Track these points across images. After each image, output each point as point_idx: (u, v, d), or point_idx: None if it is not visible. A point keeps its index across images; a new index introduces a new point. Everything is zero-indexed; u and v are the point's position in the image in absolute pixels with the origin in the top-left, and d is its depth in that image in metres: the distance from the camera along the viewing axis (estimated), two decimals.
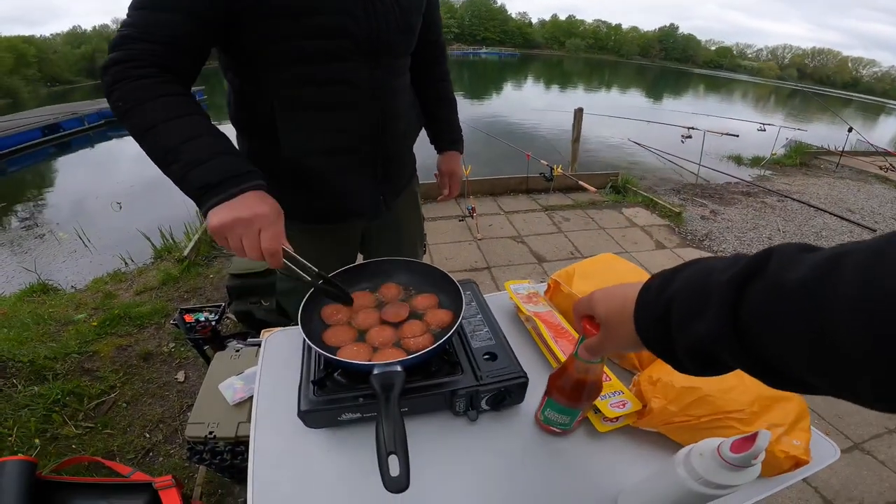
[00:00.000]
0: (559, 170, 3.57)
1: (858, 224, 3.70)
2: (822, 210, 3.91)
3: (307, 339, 0.64)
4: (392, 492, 0.45)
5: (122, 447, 1.56)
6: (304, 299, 0.71)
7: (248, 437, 0.71)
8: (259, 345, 1.17)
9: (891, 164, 5.50)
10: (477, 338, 0.73)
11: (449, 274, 0.77)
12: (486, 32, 71.94)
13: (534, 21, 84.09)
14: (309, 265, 0.70)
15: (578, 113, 4.05)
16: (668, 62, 79.76)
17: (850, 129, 5.53)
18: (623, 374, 0.76)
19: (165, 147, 0.67)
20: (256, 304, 1.69)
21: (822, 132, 8.50)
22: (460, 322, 0.67)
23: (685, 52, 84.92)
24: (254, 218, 0.65)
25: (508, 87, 20.81)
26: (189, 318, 1.61)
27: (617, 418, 0.64)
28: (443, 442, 0.64)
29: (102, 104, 11.80)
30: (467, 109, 10.38)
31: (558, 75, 33.02)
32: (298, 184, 0.90)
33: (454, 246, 2.93)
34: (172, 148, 0.67)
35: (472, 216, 3.13)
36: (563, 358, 0.71)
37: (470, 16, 72.49)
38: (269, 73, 0.81)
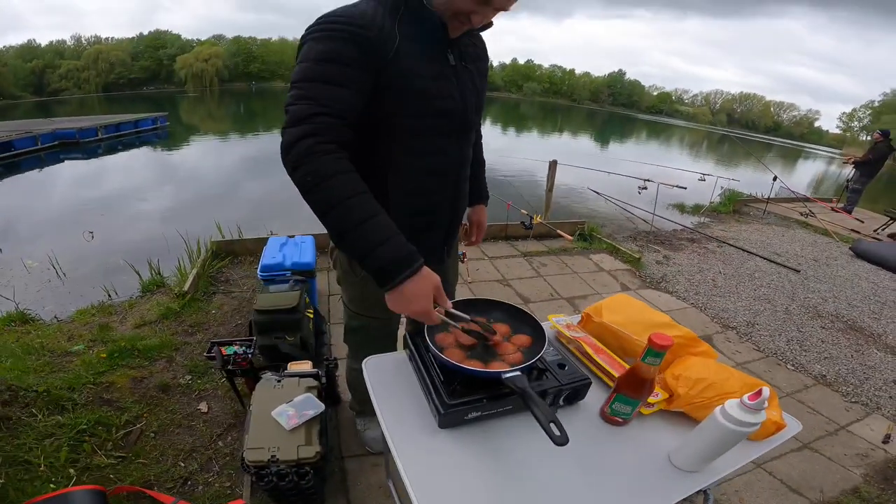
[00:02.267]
0: (538, 218, 4.06)
1: (784, 266, 4.38)
2: (754, 254, 4.60)
3: (443, 357, 0.86)
4: (559, 445, 0.71)
5: (158, 476, 1.59)
6: (425, 330, 0.93)
7: (310, 458, 0.97)
8: (298, 375, 1.42)
9: (810, 210, 6.44)
10: (548, 354, 1.00)
11: (527, 310, 1.04)
12: None
13: (495, 64, 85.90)
14: (459, 314, 0.92)
15: (553, 164, 4.55)
16: (615, 107, 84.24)
17: (774, 178, 6.44)
18: None
19: (347, 224, 0.82)
20: (281, 338, 1.71)
21: (748, 177, 9.61)
22: (548, 343, 0.93)
23: (630, 98, 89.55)
24: (421, 311, 0.85)
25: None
26: (224, 351, 1.69)
27: (653, 404, 1.00)
28: (539, 433, 0.79)
29: (58, 124, 11.17)
30: None
31: (515, 118, 34.41)
32: None
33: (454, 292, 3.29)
34: (353, 227, 0.82)
35: (463, 261, 3.44)
36: (607, 368, 1.06)
37: None
38: (387, 143, 0.98)
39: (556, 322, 1.23)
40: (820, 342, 3.07)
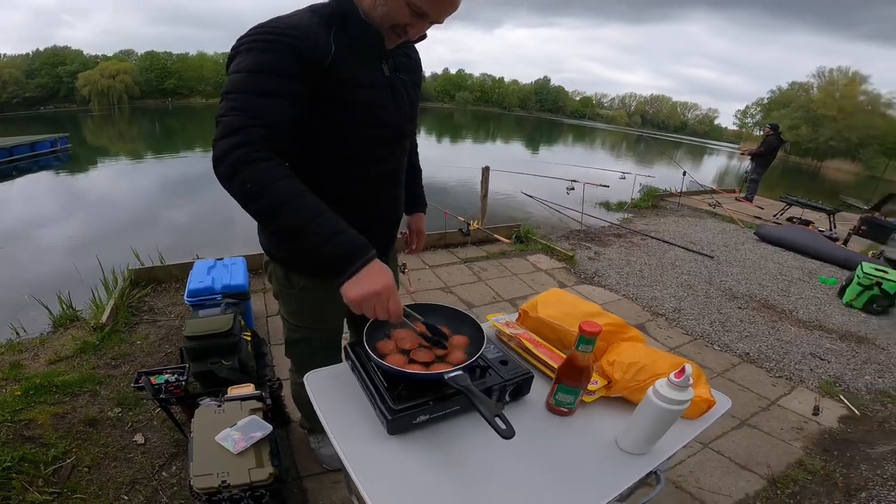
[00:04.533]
0: (476, 224, 4.12)
1: (700, 253, 4.76)
2: (673, 244, 4.96)
3: (384, 364, 0.87)
4: (506, 438, 0.73)
5: None
6: (364, 336, 0.93)
7: (264, 480, 0.97)
8: (240, 399, 1.38)
9: (717, 201, 7.09)
10: (489, 352, 1.04)
11: (466, 311, 1.07)
12: None
13: (427, 75, 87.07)
14: (415, 314, 0.94)
15: (486, 171, 4.66)
16: (542, 113, 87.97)
17: (684, 173, 7.03)
18: None
19: (294, 223, 0.83)
20: (217, 363, 1.67)
21: (663, 174, 10.42)
22: (486, 339, 0.97)
23: (556, 104, 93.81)
24: (383, 290, 0.84)
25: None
26: (153, 380, 1.62)
27: (594, 391, 1.03)
28: (486, 430, 0.82)
29: None
30: None
31: (450, 127, 34.99)
32: None
33: None
34: (305, 224, 0.83)
35: (404, 272, 3.43)
36: (547, 360, 1.09)
37: None
38: (323, 153, 1.00)
39: (495, 321, 1.26)
40: (739, 322, 3.36)
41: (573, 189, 5.62)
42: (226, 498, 1.15)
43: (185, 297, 2.08)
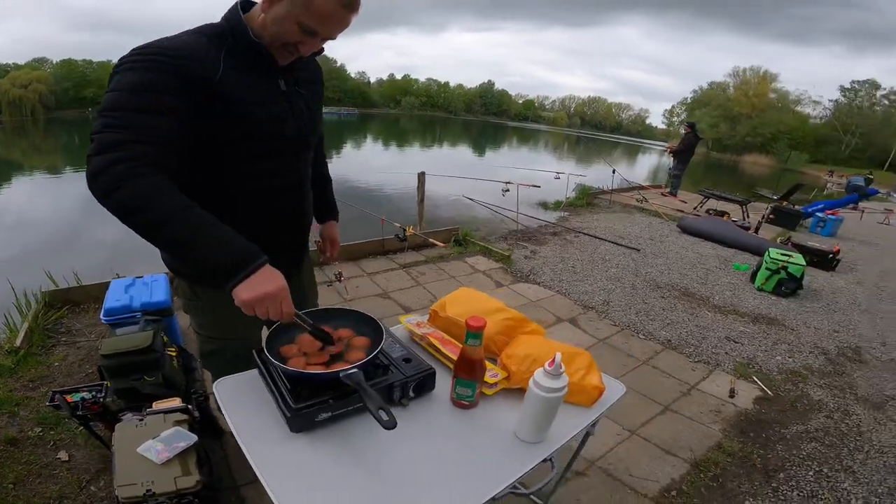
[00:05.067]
0: (411, 230, 4.12)
1: (627, 246, 5.03)
2: (603, 239, 5.21)
3: (282, 366, 0.91)
4: (388, 428, 0.79)
5: None
6: (265, 342, 0.97)
7: (191, 487, 1.03)
8: (163, 412, 1.44)
9: (644, 197, 7.52)
10: (394, 350, 1.09)
11: (366, 313, 1.11)
12: (325, 92, 72.73)
13: (372, 80, 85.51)
14: (305, 317, 0.97)
15: (421, 176, 4.70)
16: (488, 116, 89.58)
17: (613, 171, 7.43)
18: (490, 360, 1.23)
19: (182, 235, 0.84)
20: (139, 379, 1.68)
21: (598, 172, 10.94)
22: (385, 339, 1.02)
23: (500, 107, 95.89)
24: (277, 292, 0.88)
25: (349, 148, 21.49)
26: (69, 398, 1.63)
27: (495, 384, 1.08)
28: (396, 430, 0.88)
29: None
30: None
31: (396, 133, 34.90)
32: None
33: None
34: (189, 235, 0.84)
35: (339, 280, 3.42)
36: (452, 357, 1.12)
37: None
38: (222, 169, 1.03)
39: (406, 322, 1.30)
40: (662, 311, 3.57)
41: (507, 191, 5.78)
42: None
43: (101, 317, 2.07)
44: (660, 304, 3.67)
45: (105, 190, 0.81)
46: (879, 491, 1.96)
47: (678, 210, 7.27)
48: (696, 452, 2.09)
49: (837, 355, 3.20)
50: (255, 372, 1.07)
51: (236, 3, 1.00)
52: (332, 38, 1.01)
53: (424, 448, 0.92)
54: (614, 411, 2.22)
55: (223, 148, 1.01)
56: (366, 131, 34.03)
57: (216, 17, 1.03)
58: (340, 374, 0.89)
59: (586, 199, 7.39)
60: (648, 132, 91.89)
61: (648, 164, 25.98)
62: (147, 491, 1.19)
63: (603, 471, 1.95)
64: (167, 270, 2.64)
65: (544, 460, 0.95)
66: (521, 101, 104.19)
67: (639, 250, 4.96)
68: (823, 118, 52.13)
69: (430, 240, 4.21)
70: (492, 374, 1.09)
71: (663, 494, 1.85)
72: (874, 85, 50.17)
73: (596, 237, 5.32)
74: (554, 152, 28.95)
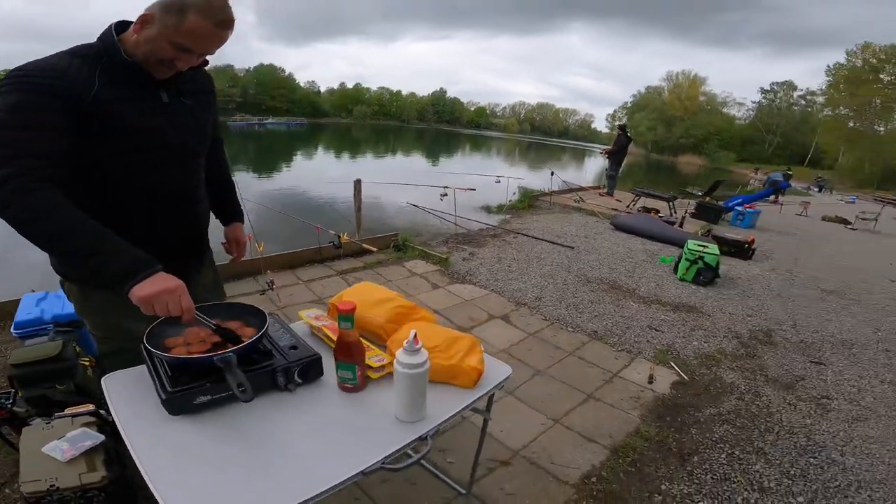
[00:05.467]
0: (346, 237, 4.11)
1: (562, 245, 5.22)
2: (539, 239, 5.39)
3: (157, 352, 0.96)
4: (245, 402, 0.89)
5: None
6: (146, 335, 1.02)
7: (96, 482, 1.08)
8: (71, 416, 1.45)
9: (581, 197, 7.86)
10: (283, 340, 1.15)
11: (253, 305, 1.18)
12: (273, 102, 66.93)
13: (322, 90, 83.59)
14: (209, 320, 1.03)
15: (357, 184, 4.71)
16: (440, 124, 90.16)
17: (552, 174, 7.73)
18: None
19: (81, 246, 0.92)
20: (50, 388, 1.73)
21: (543, 177, 11.28)
22: (266, 331, 1.08)
23: (453, 114, 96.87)
24: (176, 288, 0.96)
25: (299, 158, 21.08)
26: None
27: (381, 368, 1.13)
28: (279, 413, 1.01)
29: None
30: (256, 186, 10.23)
31: (348, 143, 34.48)
32: None
33: None
34: (88, 246, 0.92)
35: (272, 289, 3.37)
36: None
37: (255, 85, 67.00)
38: (109, 181, 1.07)
39: (305, 316, 1.36)
40: (590, 303, 3.73)
41: (445, 195, 5.90)
42: (56, 500, 1.20)
43: (11, 331, 2.13)
44: (589, 298, 3.84)
45: (1, 204, 0.87)
46: (791, 472, 2.03)
47: (613, 209, 7.64)
48: (616, 439, 2.16)
49: (750, 338, 3.44)
50: (144, 368, 1.10)
51: (111, 24, 1.06)
52: (209, 53, 1.09)
53: (305, 429, 0.98)
54: (539, 402, 2.35)
55: (108, 160, 1.05)
56: (316, 142, 33.42)
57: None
58: (214, 359, 0.95)
59: (528, 201, 7.63)
60: (594, 136, 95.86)
61: (594, 166, 27.07)
62: (51, 486, 1.21)
63: (527, 460, 1.99)
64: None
65: (421, 438, 1.00)
66: (473, 109, 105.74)
67: (573, 248, 5.17)
68: (748, 119, 56.39)
69: (365, 245, 4.21)
70: (378, 359, 1.15)
71: (584, 481, 1.90)
72: (791, 86, 54.72)
73: (534, 237, 5.49)
74: (506, 158, 29.59)
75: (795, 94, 55.23)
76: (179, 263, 1.26)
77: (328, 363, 1.13)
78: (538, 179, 9.68)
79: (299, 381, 1.07)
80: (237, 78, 65.64)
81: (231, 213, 1.57)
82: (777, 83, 56.29)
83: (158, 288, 0.94)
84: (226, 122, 47.21)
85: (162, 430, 0.93)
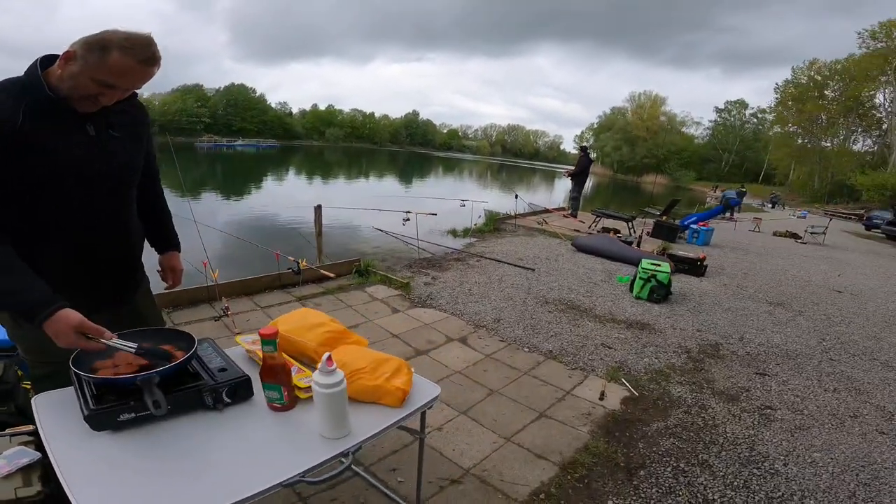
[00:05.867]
0: (304, 263, 4.11)
1: (523, 267, 5.34)
2: (502, 262, 5.50)
3: (82, 373, 1.01)
4: (158, 415, 0.97)
5: None
6: (73, 357, 1.06)
7: (31, 496, 1.09)
8: (9, 435, 1.42)
9: (544, 220, 8.07)
10: (213, 363, 1.20)
11: (183, 330, 1.24)
12: (244, 123, 65.90)
13: (294, 111, 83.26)
14: (127, 344, 1.07)
15: (318, 210, 4.73)
16: (413, 147, 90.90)
17: (516, 196, 7.93)
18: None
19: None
20: None
21: (509, 199, 11.51)
22: (195, 352, 1.14)
23: (426, 137, 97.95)
24: (77, 324, 1.01)
25: (268, 182, 20.89)
26: None
27: (310, 388, 1.14)
28: (206, 431, 1.05)
29: None
30: (219, 210, 10.07)
31: (319, 166, 34.34)
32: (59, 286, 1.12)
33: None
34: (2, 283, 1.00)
35: (226, 314, 3.34)
36: None
37: (225, 105, 65.95)
38: (36, 213, 1.10)
39: (241, 341, 1.41)
40: (547, 324, 3.82)
41: (408, 220, 5.99)
42: None
43: None
44: (546, 319, 3.93)
45: None
46: (735, 484, 2.06)
47: (576, 230, 7.87)
48: (565, 455, 2.18)
49: (699, 353, 3.57)
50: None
51: (37, 59, 1.08)
52: (135, 89, 1.12)
53: (231, 444, 1.02)
54: (492, 421, 2.40)
55: (33, 190, 1.08)
56: (286, 164, 33.17)
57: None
58: (137, 379, 1.00)
59: (493, 224, 7.78)
60: (563, 157, 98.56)
61: (563, 187, 27.78)
62: None
63: (477, 478, 2.00)
64: None
65: (343, 454, 1.05)
66: (445, 131, 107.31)
67: (533, 270, 5.29)
68: (705, 138, 59.26)
69: (323, 272, 4.21)
70: (308, 380, 1.19)
71: (532, 498, 1.92)
72: (743, 104, 57.86)
73: (496, 260, 5.60)
74: (478, 180, 30.05)
75: (747, 112, 58.32)
76: (106, 291, 1.32)
77: (260, 384, 1.17)
78: (505, 201, 9.89)
79: (228, 400, 1.12)
80: (206, 98, 64.55)
81: (166, 242, 1.59)
82: (730, 102, 59.42)
83: (59, 327, 1.00)
84: (193, 142, 46.50)
85: (88, 445, 0.96)
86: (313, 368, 1.29)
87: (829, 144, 40.34)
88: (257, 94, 71.89)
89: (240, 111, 67.03)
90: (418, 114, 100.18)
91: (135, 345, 1.09)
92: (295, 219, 8.60)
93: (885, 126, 36.86)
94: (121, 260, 1.33)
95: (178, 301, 3.51)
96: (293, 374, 1.19)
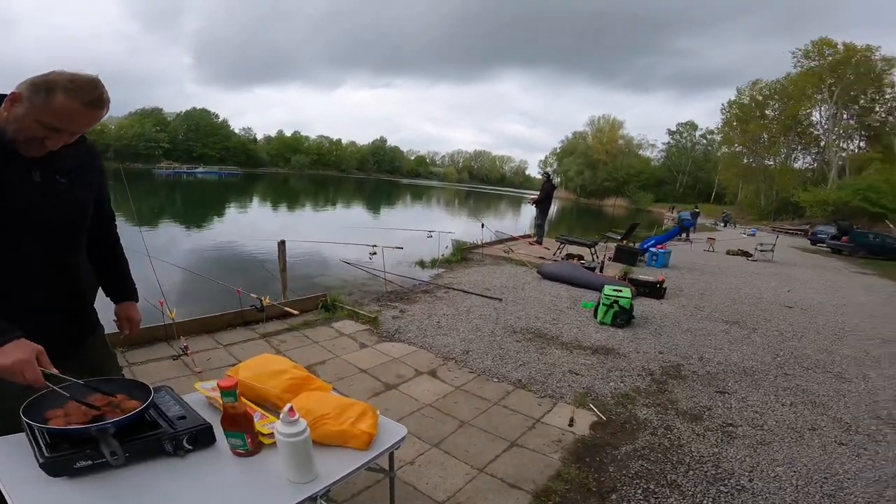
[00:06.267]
0: (268, 300, 4.02)
1: (491, 297, 5.40)
2: (469, 293, 5.55)
3: (35, 423, 1.00)
4: (115, 467, 0.98)
5: None
6: (23, 407, 1.03)
7: None
8: None
9: (510, 248, 8.22)
10: (172, 411, 1.20)
11: (140, 380, 1.22)
12: (205, 149, 63.92)
13: (259, 137, 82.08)
14: (72, 379, 1.09)
15: (281, 245, 4.68)
16: (381, 174, 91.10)
17: (482, 226, 8.07)
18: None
19: None
20: None
21: (476, 228, 11.62)
22: (151, 402, 1.13)
23: (393, 164, 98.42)
24: (30, 357, 1.00)
25: (231, 211, 20.44)
26: None
27: (271, 434, 1.14)
28: (169, 477, 1.05)
29: None
30: (177, 243, 9.73)
31: (285, 195, 33.91)
32: None
33: (174, 382, 2.94)
34: None
35: (186, 354, 3.23)
36: None
37: (185, 130, 63.85)
38: None
39: (201, 388, 1.40)
40: (516, 353, 3.86)
41: (374, 254, 5.99)
42: None
43: None
44: (514, 348, 3.97)
45: None
46: (704, 502, 2.10)
47: (541, 257, 8.04)
48: (538, 483, 2.19)
49: (661, 375, 3.68)
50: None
51: None
52: (81, 132, 1.10)
53: (195, 491, 1.03)
54: (464, 453, 2.39)
55: None
56: (250, 193, 32.59)
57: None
58: (92, 429, 1.01)
59: (461, 254, 7.85)
60: (529, 182, 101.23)
61: (529, 213, 28.44)
62: None
63: None
64: None
65: (311, 498, 1.06)
66: (413, 158, 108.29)
67: (501, 300, 5.36)
68: (660, 160, 62.28)
69: (287, 309, 4.13)
70: (272, 425, 1.18)
71: None
72: (693, 126, 61.33)
73: (464, 291, 5.64)
74: (445, 207, 30.36)
75: (697, 133, 61.76)
76: (57, 337, 1.25)
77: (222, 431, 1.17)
78: (472, 229, 10.00)
79: (189, 447, 1.12)
80: (166, 122, 62.65)
81: (122, 291, 1.54)
82: (681, 124, 62.87)
83: (12, 358, 0.98)
84: (150, 169, 45.07)
85: (46, 491, 0.96)
86: (277, 414, 1.31)
87: (772, 163, 43.09)
88: (220, 119, 70.59)
89: (201, 136, 65.38)
90: (386, 140, 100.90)
91: (80, 381, 1.10)
92: (259, 251, 8.43)
93: (822, 143, 39.83)
94: (70, 306, 1.29)
95: (133, 340, 3.36)
96: (256, 419, 1.19)
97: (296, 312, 4.13)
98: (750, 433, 2.83)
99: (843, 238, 17.66)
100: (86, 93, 1.02)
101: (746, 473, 2.39)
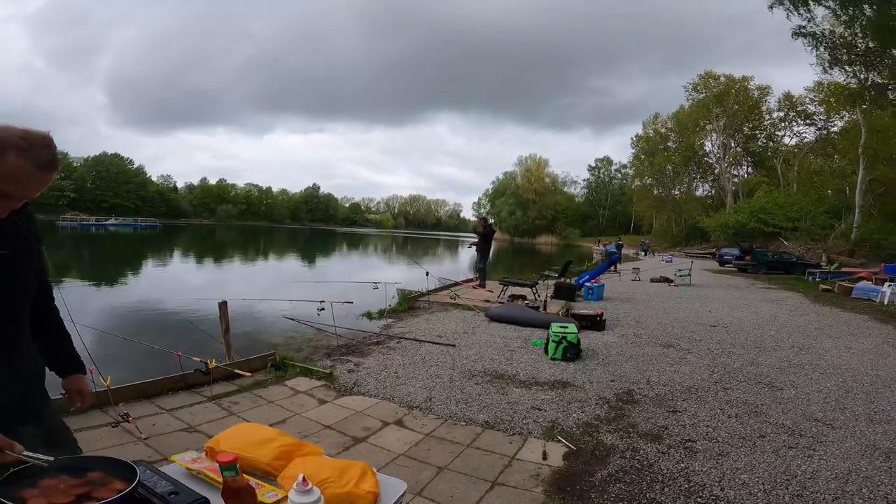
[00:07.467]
0: (213, 363, 3.75)
1: (444, 344, 5.43)
2: (423, 341, 5.54)
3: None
4: None
5: None
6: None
7: None
8: None
9: (455, 294, 8.35)
10: (161, 487, 1.09)
11: (120, 459, 1.11)
12: (117, 198, 58.77)
13: (180, 185, 77.18)
14: (42, 457, 0.98)
15: (223, 306, 4.44)
16: (315, 223, 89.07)
17: (427, 273, 8.14)
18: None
19: None
20: None
21: (422, 274, 11.68)
22: (139, 480, 1.03)
23: (327, 212, 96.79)
24: None
25: (153, 268, 18.91)
26: None
27: (277, 502, 1.11)
28: None
29: None
30: (96, 304, 8.83)
31: (211, 248, 32.04)
32: None
33: (118, 449, 2.68)
34: None
35: (128, 420, 2.95)
36: None
37: (94, 177, 58.22)
38: None
39: (180, 460, 1.32)
40: (478, 395, 3.88)
41: (322, 309, 5.85)
42: None
43: None
44: (476, 391, 4.00)
45: None
46: None
47: (486, 300, 8.23)
48: None
49: (617, 401, 3.86)
50: None
51: None
52: (29, 197, 1.00)
53: None
54: (449, 498, 2.38)
55: None
56: (172, 247, 30.41)
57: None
58: None
59: (407, 303, 7.82)
60: (464, 225, 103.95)
61: (467, 255, 29.10)
62: None
63: None
64: None
65: None
66: (347, 205, 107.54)
67: (454, 345, 5.40)
68: (583, 195, 66.90)
69: (236, 370, 3.89)
70: (272, 494, 1.16)
71: None
72: (609, 161, 66.84)
73: (416, 340, 5.62)
74: (383, 255, 30.22)
75: (613, 168, 67.22)
76: (13, 417, 1.16)
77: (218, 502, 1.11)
78: (415, 275, 10.02)
79: None
80: (72, 168, 57.05)
81: (69, 364, 1.44)
82: (599, 159, 68.22)
83: None
84: (54, 220, 40.76)
85: None
86: (268, 481, 1.29)
87: (678, 192, 47.76)
88: (135, 166, 66.05)
89: (113, 185, 60.53)
90: (319, 187, 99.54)
91: (50, 457, 0.99)
92: (187, 310, 7.89)
93: (717, 171, 44.93)
94: (14, 384, 1.16)
95: (63, 409, 2.98)
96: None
97: (248, 374, 3.89)
98: (708, 446, 3.03)
99: (747, 257, 19.86)
100: (40, 154, 0.93)
101: (716, 484, 2.54)
